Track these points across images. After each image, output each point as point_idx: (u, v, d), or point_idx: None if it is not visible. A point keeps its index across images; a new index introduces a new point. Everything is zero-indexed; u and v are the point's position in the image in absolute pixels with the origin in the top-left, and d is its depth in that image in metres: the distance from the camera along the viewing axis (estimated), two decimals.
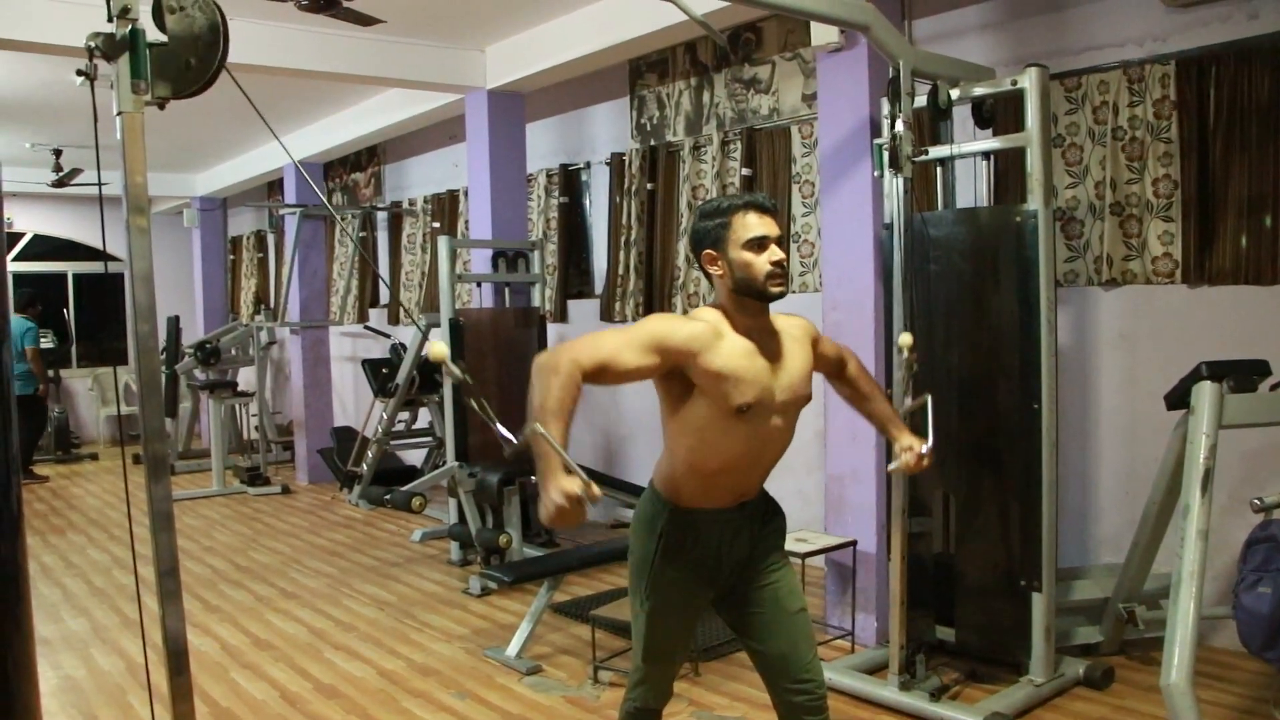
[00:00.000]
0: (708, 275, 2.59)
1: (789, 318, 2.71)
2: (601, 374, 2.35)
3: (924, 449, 2.86)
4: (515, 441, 2.16)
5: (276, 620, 5.55)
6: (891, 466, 2.95)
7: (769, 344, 2.57)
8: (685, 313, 6.70)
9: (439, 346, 2.26)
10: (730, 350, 2.47)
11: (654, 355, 2.40)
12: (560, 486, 2.10)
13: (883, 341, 4.61)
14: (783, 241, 2.58)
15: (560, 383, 2.25)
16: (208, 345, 10.44)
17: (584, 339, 2.36)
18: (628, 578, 2.75)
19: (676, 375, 2.49)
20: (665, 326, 2.45)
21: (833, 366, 2.88)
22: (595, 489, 2.10)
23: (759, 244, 2.51)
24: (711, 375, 2.44)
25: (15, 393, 9.13)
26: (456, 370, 2.28)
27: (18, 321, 10.55)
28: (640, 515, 2.69)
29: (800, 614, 2.69)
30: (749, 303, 2.54)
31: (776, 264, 2.50)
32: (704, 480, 2.57)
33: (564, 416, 2.23)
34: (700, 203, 2.41)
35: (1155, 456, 4.25)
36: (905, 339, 3.37)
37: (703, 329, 2.47)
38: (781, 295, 2.52)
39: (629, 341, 2.39)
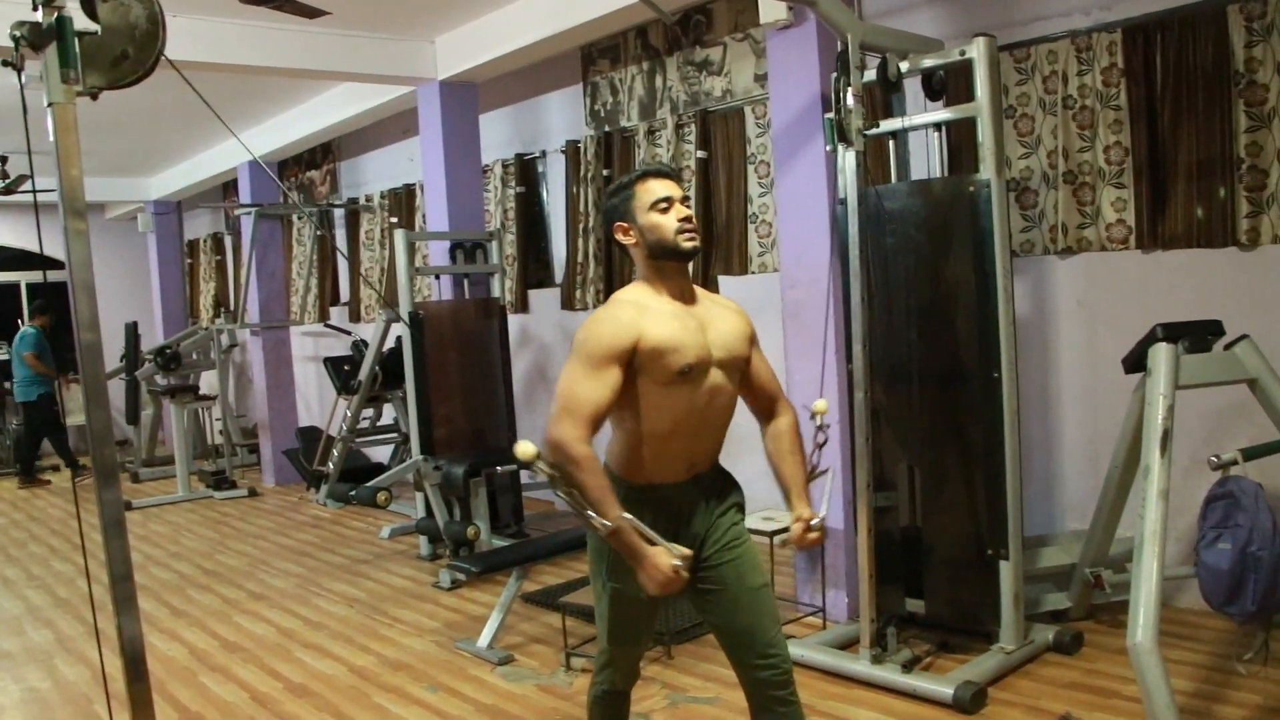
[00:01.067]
0: (624, 249, 2.65)
1: (720, 297, 2.76)
2: (598, 420, 2.44)
3: (815, 520, 2.70)
4: (609, 525, 2.36)
5: (245, 622, 5.49)
6: (780, 538, 2.90)
7: (693, 307, 2.61)
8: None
9: (527, 446, 2.33)
10: (660, 320, 2.50)
11: (614, 366, 2.45)
12: (657, 564, 2.37)
13: (841, 318, 4.56)
14: (688, 201, 2.68)
15: (587, 468, 2.38)
16: (168, 350, 10.33)
17: (561, 405, 2.44)
18: (588, 559, 2.74)
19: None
20: (599, 336, 2.48)
21: (762, 391, 2.77)
22: (683, 549, 2.40)
23: (664, 204, 2.56)
24: (651, 353, 2.47)
25: (18, 399, 8.98)
26: (546, 468, 2.37)
27: (23, 330, 10.72)
28: None
29: (762, 589, 2.67)
30: (667, 265, 2.59)
31: (684, 220, 2.56)
32: (655, 448, 2.56)
33: (610, 493, 2.40)
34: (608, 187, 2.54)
35: (1117, 421, 4.25)
36: (820, 405, 3.08)
37: (628, 313, 2.51)
38: (695, 250, 2.58)
39: (590, 374, 2.45)
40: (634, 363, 2.48)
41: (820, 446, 2.88)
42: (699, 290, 2.69)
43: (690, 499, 2.63)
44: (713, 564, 2.65)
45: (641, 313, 2.51)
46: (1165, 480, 3.36)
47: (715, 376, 2.57)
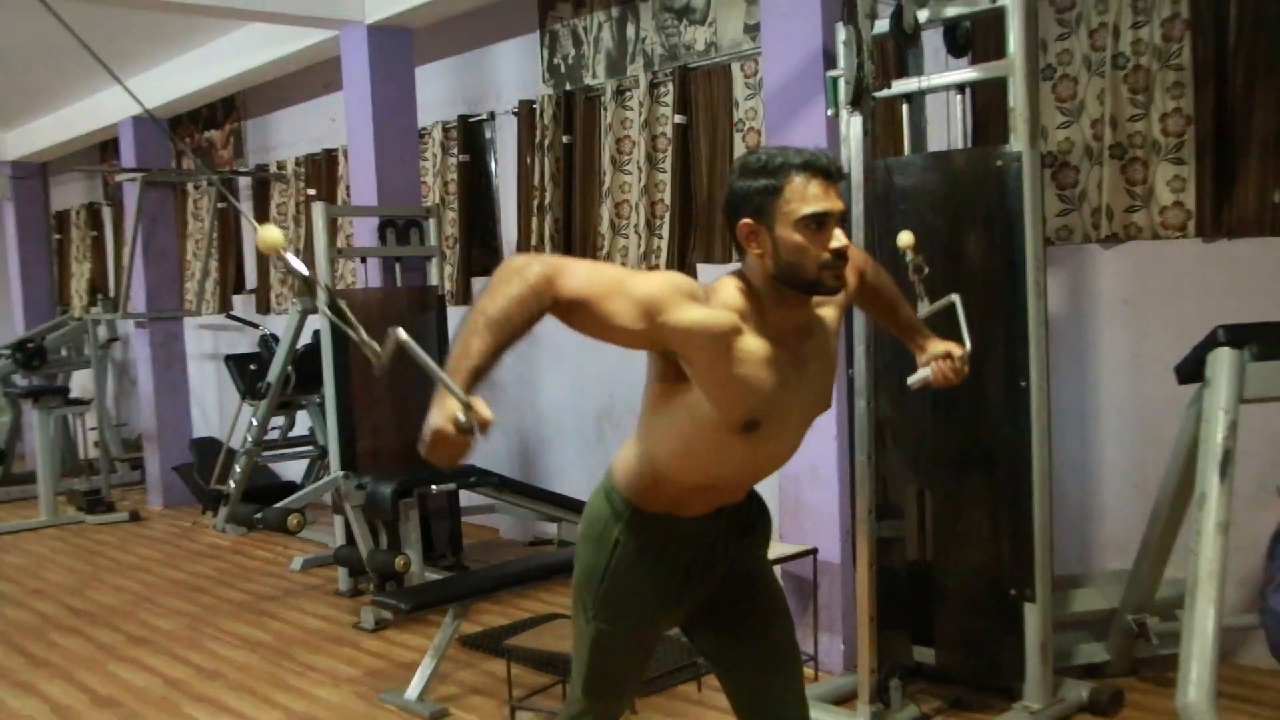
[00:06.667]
0: (740, 250, 2.44)
1: (823, 304, 2.61)
2: (576, 311, 2.24)
3: (960, 352, 2.93)
4: (380, 354, 2.05)
5: (123, 671, 5.47)
6: (915, 378, 2.95)
7: (799, 347, 2.46)
8: None
9: (271, 231, 2.02)
10: (747, 354, 2.35)
11: (644, 321, 2.26)
12: (439, 409, 2.05)
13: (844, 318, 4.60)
14: (846, 219, 2.45)
15: (517, 292, 2.15)
16: (30, 344, 10.24)
17: (576, 261, 2.25)
18: (571, 589, 2.69)
19: (669, 356, 2.39)
20: (674, 293, 2.28)
21: (856, 291, 2.81)
22: (483, 409, 2.05)
23: (817, 223, 2.33)
24: (715, 378, 2.34)
25: None
26: (294, 262, 2.08)
27: None
28: (591, 515, 2.63)
29: (787, 644, 2.72)
30: (790, 295, 2.41)
31: (837, 253, 2.35)
32: (681, 491, 2.52)
33: (501, 332, 2.13)
34: (742, 155, 2.23)
35: (1168, 440, 4.30)
36: (905, 238, 3.24)
37: (720, 320, 2.32)
38: (838, 291, 2.43)
39: (627, 288, 2.26)
40: (685, 368, 2.35)
41: (924, 279, 3.19)
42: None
43: (710, 533, 2.59)
44: (730, 607, 2.66)
45: (734, 331, 2.34)
46: (1225, 511, 3.41)
47: (787, 435, 2.53)
